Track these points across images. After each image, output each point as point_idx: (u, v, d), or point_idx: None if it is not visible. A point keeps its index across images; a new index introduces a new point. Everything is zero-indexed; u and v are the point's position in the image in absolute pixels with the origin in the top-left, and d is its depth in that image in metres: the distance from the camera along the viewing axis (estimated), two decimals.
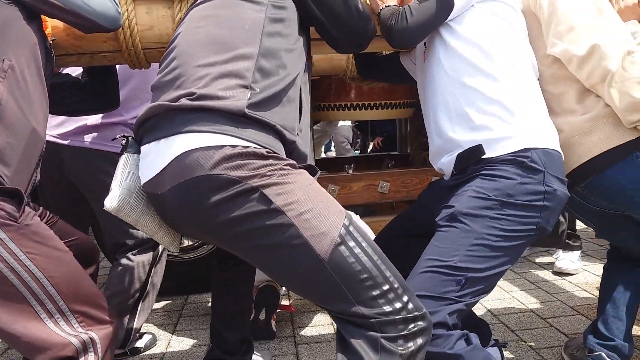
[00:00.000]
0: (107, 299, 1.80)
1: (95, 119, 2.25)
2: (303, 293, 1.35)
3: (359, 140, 7.02)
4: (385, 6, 1.70)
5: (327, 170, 3.40)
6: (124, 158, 1.39)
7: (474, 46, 1.59)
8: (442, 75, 1.63)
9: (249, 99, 1.27)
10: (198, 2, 1.52)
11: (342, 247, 1.23)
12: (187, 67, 1.33)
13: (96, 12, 1.56)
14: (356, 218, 2.40)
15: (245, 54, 1.34)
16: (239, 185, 1.20)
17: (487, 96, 1.53)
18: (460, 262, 1.44)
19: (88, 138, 2.25)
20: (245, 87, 1.29)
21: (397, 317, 1.24)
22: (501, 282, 2.83)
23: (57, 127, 2.27)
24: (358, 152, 6.92)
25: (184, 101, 1.26)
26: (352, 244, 1.24)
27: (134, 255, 2.33)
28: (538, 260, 3.56)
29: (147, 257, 2.36)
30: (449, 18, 1.63)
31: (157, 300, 2.87)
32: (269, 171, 1.23)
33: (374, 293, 1.24)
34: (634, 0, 1.66)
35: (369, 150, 6.78)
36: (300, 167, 1.34)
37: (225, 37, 1.36)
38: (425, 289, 1.44)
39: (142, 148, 1.35)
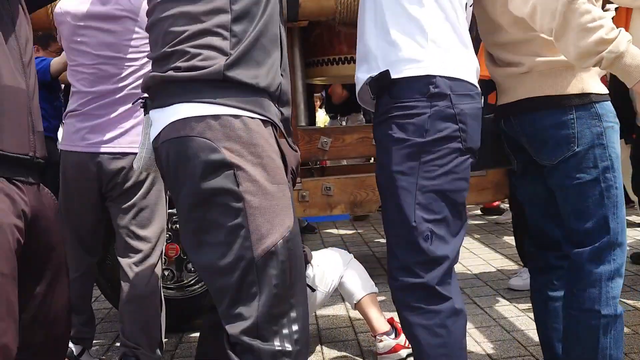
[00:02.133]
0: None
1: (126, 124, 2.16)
2: (207, 278, 1.35)
3: None
4: None
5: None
6: (145, 120, 1.42)
7: None
8: None
9: (227, 60, 1.27)
10: None
11: (275, 257, 1.26)
12: (167, 33, 1.33)
13: None
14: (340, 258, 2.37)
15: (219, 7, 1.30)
16: (217, 153, 1.24)
17: (411, 15, 1.51)
18: (417, 219, 1.48)
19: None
20: (222, 51, 1.28)
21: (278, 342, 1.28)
22: (503, 322, 2.71)
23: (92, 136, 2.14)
24: None
25: (170, 74, 1.29)
26: (282, 258, 1.27)
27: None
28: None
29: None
30: None
31: None
32: (249, 152, 1.25)
33: (274, 311, 1.27)
34: None
35: None
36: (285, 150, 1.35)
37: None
38: (403, 263, 1.50)
39: (150, 112, 1.39)
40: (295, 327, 1.30)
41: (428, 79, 1.48)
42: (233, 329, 1.27)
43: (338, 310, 3.00)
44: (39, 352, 1.46)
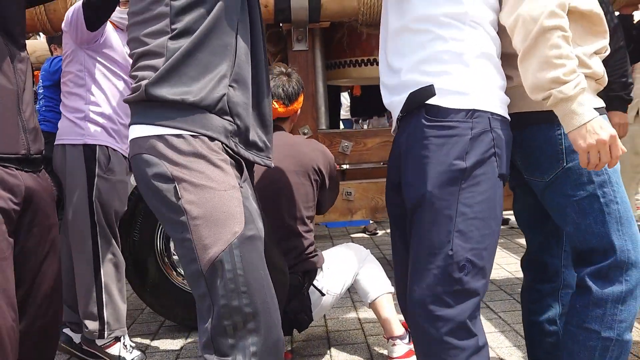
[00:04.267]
0: None
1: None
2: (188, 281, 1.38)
3: None
4: None
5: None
6: None
7: None
8: (421, 7, 1.45)
9: (149, 80, 1.30)
10: None
11: (220, 266, 1.25)
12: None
13: None
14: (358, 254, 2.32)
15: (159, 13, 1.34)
16: (159, 167, 1.29)
17: (452, 44, 1.43)
18: (455, 247, 1.39)
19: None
20: (156, 69, 1.31)
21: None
22: (518, 327, 2.62)
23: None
24: None
25: (128, 98, 1.39)
26: (228, 267, 1.25)
27: None
28: None
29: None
30: None
31: (156, 338, 2.72)
32: (190, 165, 1.28)
33: (226, 322, 1.26)
34: None
35: None
36: (234, 158, 1.35)
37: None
38: (432, 291, 1.40)
39: None
40: (252, 339, 1.26)
41: (472, 112, 1.41)
42: (201, 345, 1.29)
43: (347, 312, 2.93)
44: (29, 334, 1.47)
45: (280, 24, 2.89)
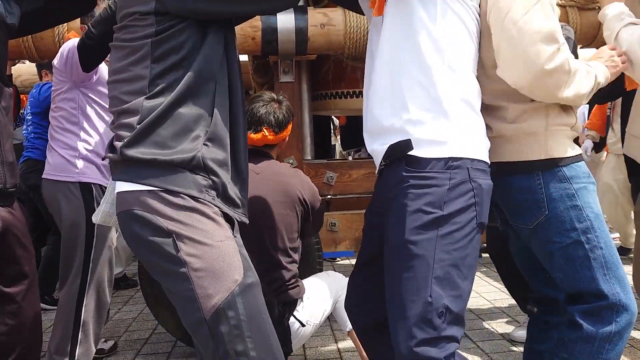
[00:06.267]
0: None
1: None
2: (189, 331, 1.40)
3: None
4: None
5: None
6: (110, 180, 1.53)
7: (434, 40, 1.46)
8: (404, 51, 1.49)
9: (125, 141, 1.33)
10: None
11: (223, 314, 1.30)
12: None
13: None
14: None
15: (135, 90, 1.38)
16: (154, 223, 1.32)
17: (430, 91, 1.46)
18: (433, 294, 1.40)
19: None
20: (133, 129, 1.35)
21: None
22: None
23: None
24: None
25: (107, 156, 1.43)
26: (231, 313, 1.30)
27: None
28: None
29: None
30: None
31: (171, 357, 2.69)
32: (183, 219, 1.31)
33: None
34: None
35: None
36: (223, 212, 1.39)
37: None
38: (414, 334, 1.40)
39: None
40: None
41: (452, 160, 1.45)
42: None
43: (326, 341, 2.92)
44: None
45: (268, 56, 2.92)
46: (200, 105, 1.39)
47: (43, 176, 2.39)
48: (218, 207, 1.39)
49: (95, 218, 1.59)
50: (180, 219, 1.32)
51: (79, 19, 2.51)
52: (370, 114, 1.57)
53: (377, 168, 1.60)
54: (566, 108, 1.61)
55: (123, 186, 1.37)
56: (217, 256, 1.32)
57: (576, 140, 1.68)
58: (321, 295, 2.29)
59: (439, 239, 1.42)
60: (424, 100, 1.46)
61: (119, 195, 1.39)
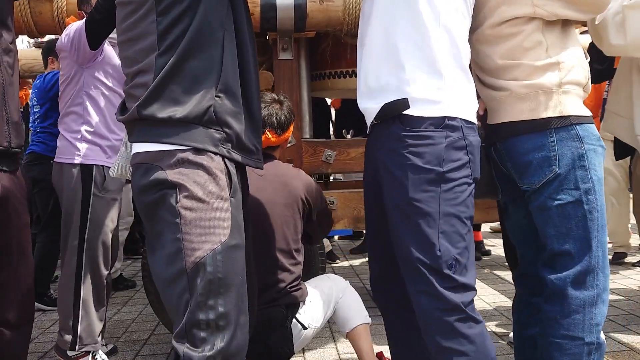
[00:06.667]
0: None
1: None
2: (160, 288, 1.44)
3: None
4: None
5: None
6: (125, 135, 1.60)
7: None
8: (400, 10, 1.50)
9: (140, 101, 1.37)
10: None
11: (202, 267, 1.35)
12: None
13: None
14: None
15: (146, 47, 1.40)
16: (161, 172, 1.37)
17: (425, 52, 1.48)
18: (442, 248, 1.46)
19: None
20: (144, 85, 1.38)
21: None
22: None
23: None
24: None
25: (120, 117, 1.49)
26: (209, 269, 1.35)
27: None
28: None
29: None
30: None
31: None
32: (189, 172, 1.37)
33: (199, 317, 1.34)
34: None
35: None
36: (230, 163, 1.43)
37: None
38: (432, 288, 1.47)
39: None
40: (222, 336, 1.35)
41: (448, 119, 1.49)
42: (174, 334, 1.38)
43: (326, 343, 2.91)
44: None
45: (266, 33, 2.91)
46: (209, 56, 1.41)
47: (53, 160, 2.46)
48: (231, 160, 1.44)
49: (113, 172, 1.68)
50: (186, 172, 1.37)
51: (77, 3, 2.52)
52: (364, 71, 1.59)
53: (368, 127, 1.62)
54: (576, 66, 1.62)
55: (139, 147, 1.42)
56: (209, 213, 1.37)
57: None
58: (323, 299, 2.31)
59: (442, 194, 1.48)
60: (419, 60, 1.49)
61: (133, 156, 1.45)
